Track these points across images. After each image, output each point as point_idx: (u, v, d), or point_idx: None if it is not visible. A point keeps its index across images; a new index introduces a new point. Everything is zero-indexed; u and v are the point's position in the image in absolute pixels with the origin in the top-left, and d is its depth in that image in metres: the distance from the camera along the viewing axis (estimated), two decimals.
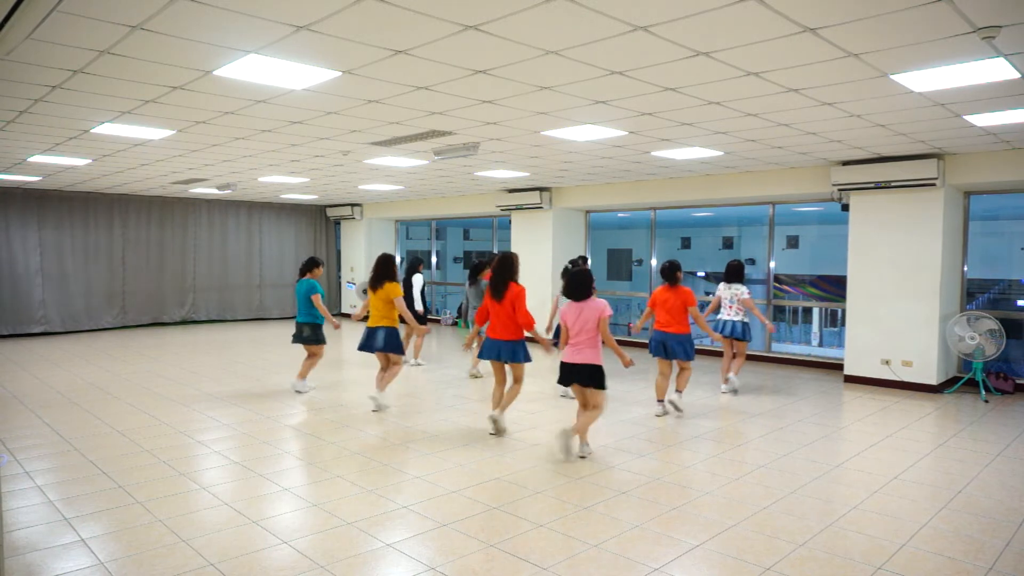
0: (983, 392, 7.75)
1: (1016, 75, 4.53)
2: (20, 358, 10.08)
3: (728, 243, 26.14)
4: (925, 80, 4.67)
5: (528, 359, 5.90)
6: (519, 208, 12.29)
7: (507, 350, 5.86)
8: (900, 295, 8.21)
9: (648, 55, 4.18)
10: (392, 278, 6.77)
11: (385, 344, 6.73)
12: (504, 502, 4.42)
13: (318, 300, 7.45)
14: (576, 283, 5.35)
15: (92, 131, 6.69)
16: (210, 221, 15.05)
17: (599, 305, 5.30)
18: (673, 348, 6.69)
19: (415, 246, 24.69)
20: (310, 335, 7.58)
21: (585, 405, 5.44)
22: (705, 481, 4.86)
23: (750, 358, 10.23)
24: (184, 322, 14.75)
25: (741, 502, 4.45)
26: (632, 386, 8.14)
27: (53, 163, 8.97)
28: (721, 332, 7.74)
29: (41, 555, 3.62)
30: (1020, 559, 3.67)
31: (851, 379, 8.62)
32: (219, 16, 3.55)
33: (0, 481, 3.50)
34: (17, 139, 7.21)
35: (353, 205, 15.71)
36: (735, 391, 7.92)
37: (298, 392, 7.64)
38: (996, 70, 4.42)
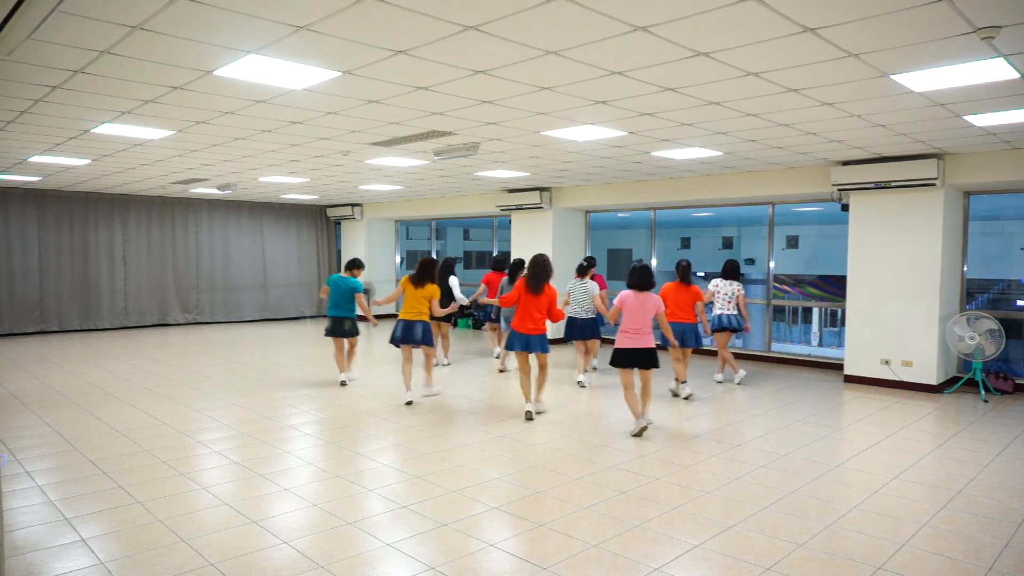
0: (983, 392, 7.75)
1: (1016, 75, 4.54)
2: (19, 358, 10.08)
3: (728, 243, 26.15)
4: (925, 80, 4.67)
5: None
6: (519, 208, 12.29)
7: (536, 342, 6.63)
8: (900, 295, 8.21)
9: (648, 55, 4.18)
10: (433, 279, 7.38)
11: (423, 338, 7.34)
12: (504, 502, 4.42)
13: (361, 299, 8.26)
14: (641, 277, 6.15)
15: (92, 131, 6.69)
16: (211, 221, 15.04)
17: (658, 300, 6.18)
18: (688, 336, 7.54)
19: (415, 246, 24.68)
20: (352, 328, 8.30)
21: (630, 387, 6.17)
22: (705, 481, 4.86)
23: (750, 357, 10.46)
24: (189, 323, 14.76)
25: (741, 502, 4.45)
26: None
27: (53, 163, 8.97)
28: (719, 325, 8.32)
29: (41, 555, 3.62)
30: (1020, 559, 3.67)
31: (851, 379, 8.62)
32: (219, 16, 3.55)
33: (0, 481, 3.50)
34: (17, 139, 7.22)
35: (353, 205, 15.70)
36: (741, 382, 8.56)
37: (345, 384, 8.28)
38: (996, 70, 4.42)
